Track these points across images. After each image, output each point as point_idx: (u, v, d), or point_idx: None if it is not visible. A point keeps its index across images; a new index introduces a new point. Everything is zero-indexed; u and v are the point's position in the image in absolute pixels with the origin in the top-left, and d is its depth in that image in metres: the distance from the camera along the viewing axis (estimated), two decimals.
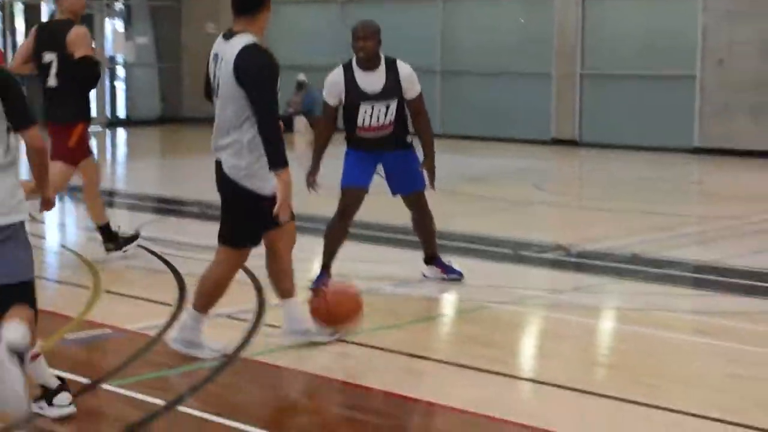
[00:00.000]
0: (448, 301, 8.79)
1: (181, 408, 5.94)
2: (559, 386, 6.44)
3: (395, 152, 8.69)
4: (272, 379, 6.59)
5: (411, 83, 8.58)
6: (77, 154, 9.45)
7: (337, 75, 8.60)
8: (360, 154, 8.66)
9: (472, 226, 11.88)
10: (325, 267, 8.68)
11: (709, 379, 6.64)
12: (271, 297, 8.32)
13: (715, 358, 7.16)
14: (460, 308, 8.68)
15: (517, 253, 10.57)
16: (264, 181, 6.45)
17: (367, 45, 8.39)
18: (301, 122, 24.29)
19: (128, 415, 5.80)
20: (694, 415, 5.96)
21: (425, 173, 8.67)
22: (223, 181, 6.60)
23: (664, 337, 7.64)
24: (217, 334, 7.35)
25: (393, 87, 8.52)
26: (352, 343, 7.14)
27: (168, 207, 13.97)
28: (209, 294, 6.85)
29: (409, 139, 8.82)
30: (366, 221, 11.57)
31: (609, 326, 8.32)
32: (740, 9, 19.42)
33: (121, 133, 25.87)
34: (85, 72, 9.28)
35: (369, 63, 8.46)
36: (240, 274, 9.19)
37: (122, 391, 6.16)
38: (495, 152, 20.36)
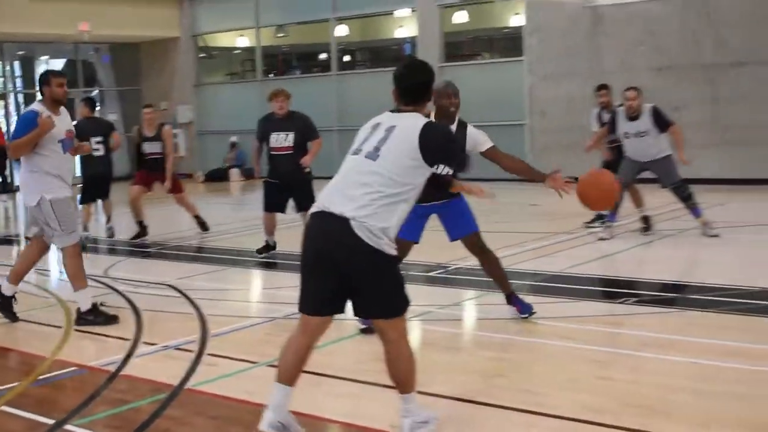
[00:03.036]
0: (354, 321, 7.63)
1: None
2: (456, 399, 5.38)
3: (445, 201, 6.93)
4: (218, 409, 5.33)
5: (477, 140, 6.84)
6: None
7: None
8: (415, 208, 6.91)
9: None
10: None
11: (582, 383, 5.58)
12: (214, 327, 7.22)
13: (584, 362, 6.08)
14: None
15: (407, 273, 9.50)
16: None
17: (457, 101, 6.84)
18: (235, 173, 23.51)
19: None
20: (572, 419, 4.96)
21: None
22: (357, 244, 4.41)
23: (538, 344, 6.59)
24: (163, 366, 6.23)
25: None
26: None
27: (137, 249, 12.58)
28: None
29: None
30: (287, 251, 10.51)
31: (491, 337, 7.06)
32: (555, 73, 18.85)
33: None
34: None
35: (450, 119, 6.80)
36: (186, 307, 8.09)
37: (81, 431, 5.00)
38: None
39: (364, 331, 6.84)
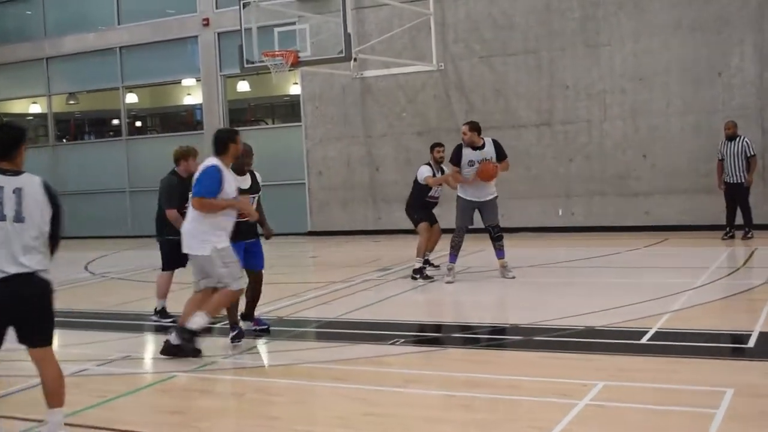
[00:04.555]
0: (145, 375, 7.28)
1: None
2: None
3: (254, 241, 8.24)
4: None
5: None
6: None
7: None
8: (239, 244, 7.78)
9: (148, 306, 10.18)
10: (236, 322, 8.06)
11: (351, 420, 5.50)
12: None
13: (353, 401, 5.99)
14: (154, 380, 6.99)
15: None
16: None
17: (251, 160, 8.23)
18: None
19: None
20: None
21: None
22: (38, 286, 4.99)
23: (310, 386, 6.46)
24: None
25: (257, 185, 8.45)
26: (67, 424, 5.57)
27: None
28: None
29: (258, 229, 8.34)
30: (78, 309, 9.96)
31: (269, 381, 6.88)
32: (330, 136, 19.02)
33: None
34: None
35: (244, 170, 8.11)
36: None
37: None
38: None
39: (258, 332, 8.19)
